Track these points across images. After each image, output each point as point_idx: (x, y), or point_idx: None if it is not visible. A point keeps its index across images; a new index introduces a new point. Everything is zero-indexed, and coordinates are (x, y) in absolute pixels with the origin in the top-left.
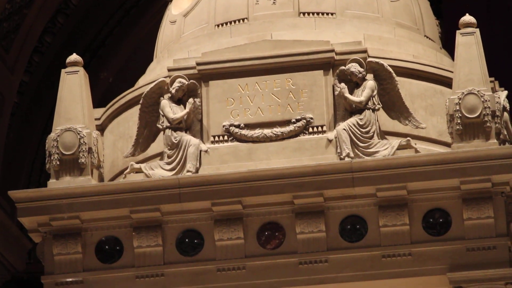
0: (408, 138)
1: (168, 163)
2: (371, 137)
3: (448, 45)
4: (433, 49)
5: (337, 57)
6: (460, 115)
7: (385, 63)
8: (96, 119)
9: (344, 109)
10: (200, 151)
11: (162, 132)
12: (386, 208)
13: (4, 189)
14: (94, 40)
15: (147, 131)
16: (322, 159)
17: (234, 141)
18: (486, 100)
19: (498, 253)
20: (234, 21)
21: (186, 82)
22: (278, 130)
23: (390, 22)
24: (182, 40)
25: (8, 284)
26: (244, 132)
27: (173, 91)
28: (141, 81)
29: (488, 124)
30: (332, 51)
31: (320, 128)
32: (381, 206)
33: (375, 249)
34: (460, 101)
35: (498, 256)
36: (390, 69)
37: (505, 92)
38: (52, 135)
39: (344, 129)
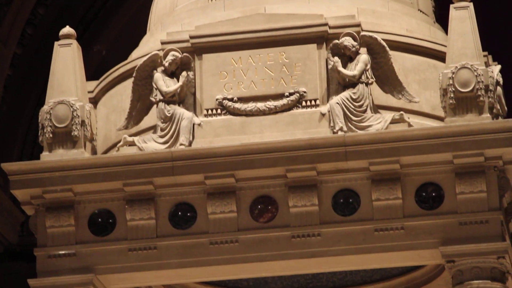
0: (401, 112)
1: (161, 136)
2: (364, 111)
3: (442, 19)
4: (427, 23)
5: (330, 31)
6: (453, 89)
7: (379, 37)
8: (89, 92)
9: (338, 83)
10: (193, 124)
11: (155, 105)
12: (379, 182)
13: None
14: (87, 13)
15: (140, 104)
16: (315, 132)
17: (227, 115)
18: (479, 74)
19: (491, 227)
20: None
21: (179, 56)
22: (271, 103)
23: None
24: (175, 13)
25: (0, 256)
26: (237, 105)
27: (166, 64)
28: (134, 54)
29: (481, 98)
30: (326, 25)
31: (313, 102)
32: (374, 180)
33: (367, 223)
34: (453, 75)
35: (490, 230)
36: (384, 43)
37: (499, 67)
38: (45, 107)
39: (337, 103)
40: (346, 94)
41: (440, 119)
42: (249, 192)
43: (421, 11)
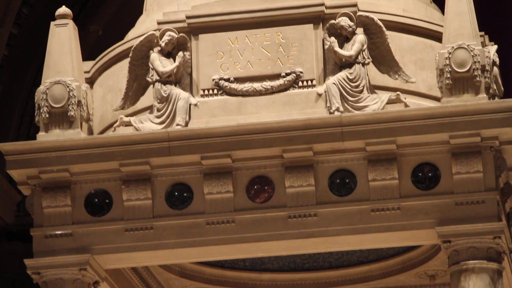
0: (398, 92)
1: (158, 117)
2: (361, 91)
3: None
4: (423, 3)
5: (327, 11)
6: (449, 69)
7: (375, 17)
8: (85, 72)
9: (334, 63)
10: (190, 104)
11: (151, 86)
12: (375, 162)
13: None
14: None
15: (137, 85)
16: (312, 113)
17: (224, 95)
18: (476, 55)
19: (487, 207)
20: None
21: (176, 36)
22: (267, 84)
23: None
24: None
25: None
26: (234, 85)
27: (163, 44)
28: (131, 34)
29: (477, 79)
30: (322, 5)
31: (309, 82)
32: (370, 160)
33: (364, 203)
34: (450, 56)
35: (486, 210)
36: (380, 23)
37: (495, 47)
38: (41, 87)
39: (333, 83)
40: (342, 74)
41: (437, 99)
42: (245, 172)
43: None
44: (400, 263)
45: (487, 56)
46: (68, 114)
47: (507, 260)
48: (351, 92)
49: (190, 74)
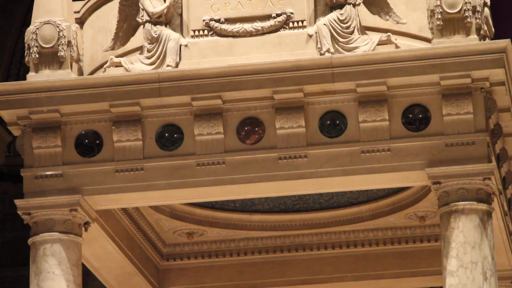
0: (389, 33)
1: (148, 58)
2: (352, 32)
3: None
4: None
5: None
6: (440, 10)
7: None
8: (75, 12)
9: (325, 4)
10: (180, 45)
11: (141, 26)
12: (365, 103)
13: None
14: None
15: (127, 25)
16: (302, 54)
17: (214, 36)
18: None
19: (477, 149)
20: None
21: None
22: (258, 24)
23: None
24: None
25: None
26: (224, 26)
27: None
28: None
29: (468, 20)
30: None
31: (300, 23)
32: (360, 102)
33: (354, 144)
34: None
35: (476, 151)
36: None
37: None
38: (31, 28)
39: (324, 24)
40: (333, 15)
41: (427, 40)
42: (236, 113)
43: None
44: (390, 205)
45: None
46: (58, 54)
47: (496, 201)
48: (341, 33)
49: (181, 15)
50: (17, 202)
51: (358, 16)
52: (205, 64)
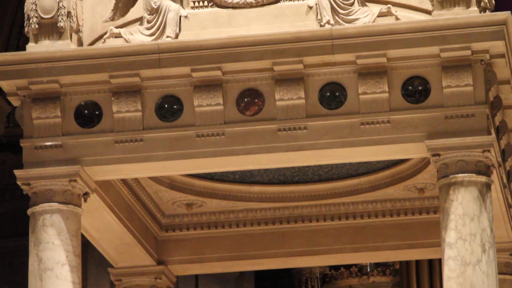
0: (389, 5)
1: (148, 28)
2: (352, 4)
3: None
4: None
5: None
6: None
7: None
8: None
9: None
10: (180, 16)
11: None
12: (365, 75)
13: None
14: None
15: None
16: (302, 26)
17: (214, 7)
18: None
19: (477, 121)
20: None
21: None
22: None
23: None
24: None
25: None
26: None
27: None
28: None
29: None
30: None
31: None
32: (360, 74)
33: (354, 116)
34: None
35: (476, 123)
36: None
37: None
38: None
39: None
40: None
41: (428, 12)
42: (235, 85)
43: None
44: (389, 176)
45: None
46: (58, 25)
47: (496, 173)
48: (342, 4)
49: None
50: (17, 172)
51: None
52: (205, 35)
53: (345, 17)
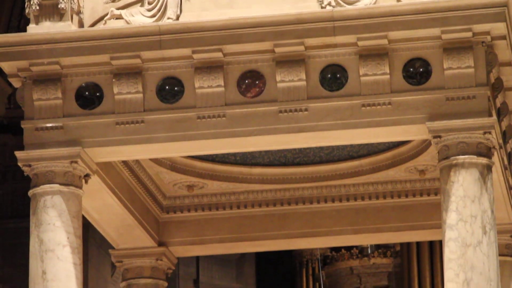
0: None
1: (149, 10)
2: None
3: None
4: None
5: None
6: None
7: None
8: None
9: None
10: None
11: None
12: (366, 57)
13: None
14: None
15: None
16: (304, 7)
17: None
18: None
19: (478, 103)
20: None
21: None
22: None
23: None
24: None
25: None
26: None
27: None
28: None
29: None
30: None
31: None
32: (361, 55)
33: (355, 98)
34: None
35: (477, 105)
36: None
37: None
38: None
39: None
40: None
41: None
42: (236, 66)
43: None
44: (390, 158)
45: None
46: (59, 6)
47: (496, 155)
48: None
49: None
50: (18, 153)
51: None
52: (206, 17)
53: None
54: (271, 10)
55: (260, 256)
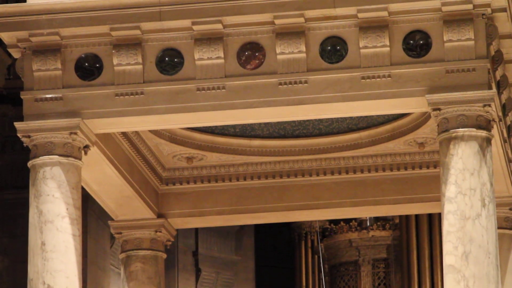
0: None
1: None
2: None
3: None
4: None
5: None
6: None
7: None
8: None
9: None
10: None
11: None
12: (366, 29)
13: None
14: None
15: None
16: None
17: None
18: None
19: (477, 75)
20: None
21: None
22: None
23: None
24: None
25: None
26: None
27: None
28: None
29: None
30: None
31: None
32: (361, 27)
33: (355, 70)
34: None
35: (477, 78)
36: None
37: None
38: None
39: None
40: None
41: None
42: (236, 38)
43: None
44: (390, 131)
45: None
46: None
47: (496, 128)
48: None
49: None
50: (17, 124)
51: None
52: None
53: None
54: None
55: (259, 228)
